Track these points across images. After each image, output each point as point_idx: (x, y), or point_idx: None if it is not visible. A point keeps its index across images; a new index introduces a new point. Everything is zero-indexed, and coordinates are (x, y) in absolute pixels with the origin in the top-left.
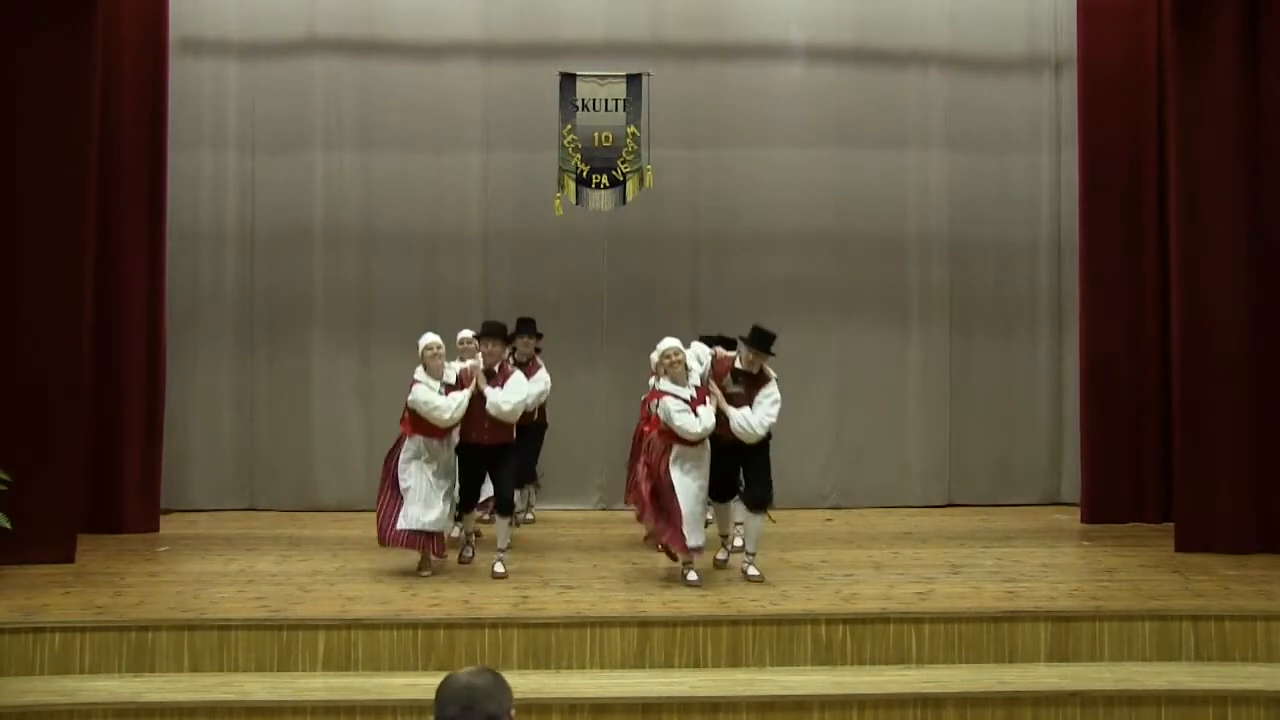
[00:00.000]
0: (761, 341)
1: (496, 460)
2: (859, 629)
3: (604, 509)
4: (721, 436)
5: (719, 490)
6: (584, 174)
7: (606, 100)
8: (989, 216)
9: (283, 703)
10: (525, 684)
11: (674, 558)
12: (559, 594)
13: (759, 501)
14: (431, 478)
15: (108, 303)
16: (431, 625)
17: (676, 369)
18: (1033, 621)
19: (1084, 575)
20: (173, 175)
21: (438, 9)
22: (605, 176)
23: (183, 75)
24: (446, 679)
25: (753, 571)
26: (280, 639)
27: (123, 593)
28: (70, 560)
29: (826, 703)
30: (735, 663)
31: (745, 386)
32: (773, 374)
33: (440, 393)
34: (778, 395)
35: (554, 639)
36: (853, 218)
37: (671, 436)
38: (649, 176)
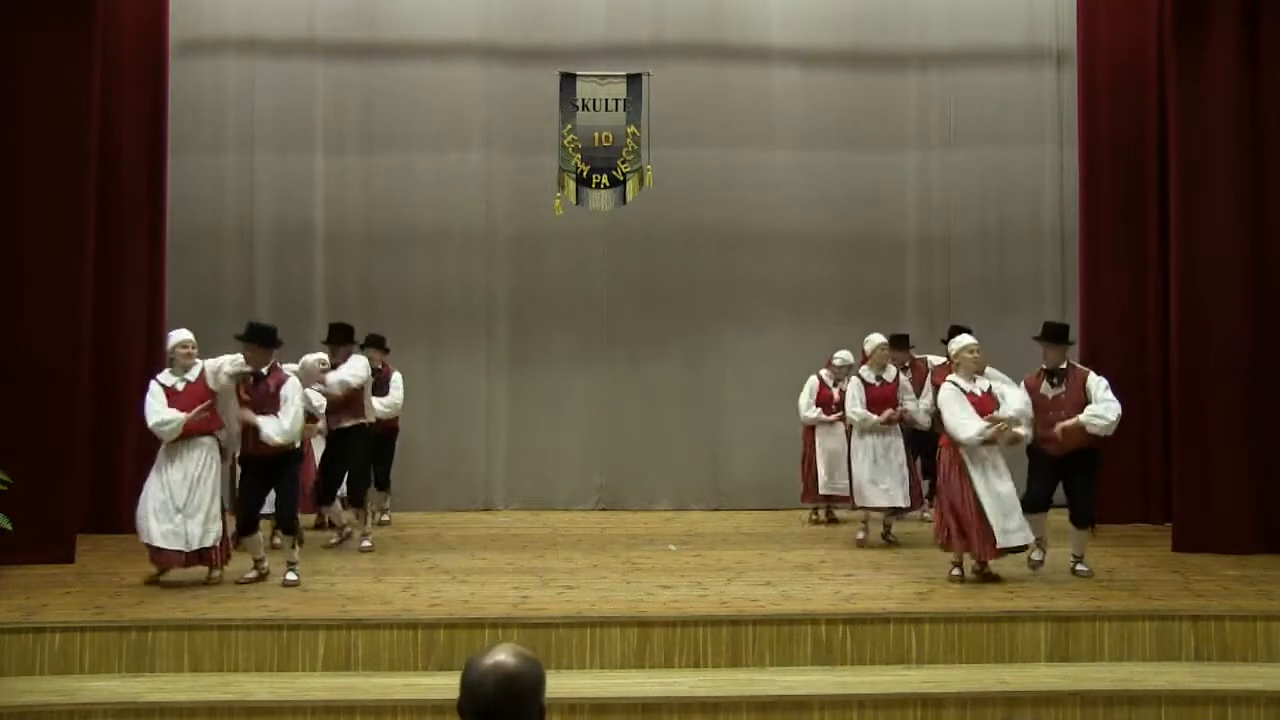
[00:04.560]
0: (1060, 335)
1: (277, 473)
2: (859, 629)
3: (604, 509)
4: (1044, 447)
5: (1033, 502)
6: (584, 174)
7: (606, 100)
8: (990, 213)
9: (283, 703)
10: None
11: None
12: (559, 594)
13: (1085, 518)
14: (173, 487)
15: (108, 303)
16: (431, 625)
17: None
18: (1033, 621)
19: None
20: (173, 175)
21: (438, 9)
22: (605, 176)
23: (183, 75)
24: (471, 661)
25: (1081, 568)
26: (280, 639)
27: (122, 593)
28: (70, 560)
29: (826, 703)
30: (735, 663)
31: (1066, 386)
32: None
33: (179, 390)
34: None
35: (554, 639)
36: (853, 216)
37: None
38: (649, 176)
